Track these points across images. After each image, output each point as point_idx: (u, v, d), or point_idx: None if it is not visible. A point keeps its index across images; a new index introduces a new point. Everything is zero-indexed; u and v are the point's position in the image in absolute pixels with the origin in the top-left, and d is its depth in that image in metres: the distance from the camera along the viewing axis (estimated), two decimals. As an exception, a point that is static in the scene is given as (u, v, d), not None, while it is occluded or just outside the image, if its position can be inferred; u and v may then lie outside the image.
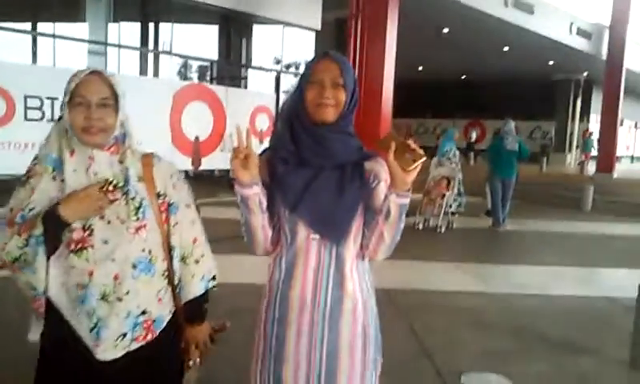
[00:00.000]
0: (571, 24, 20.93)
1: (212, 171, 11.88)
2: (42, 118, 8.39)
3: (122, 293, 1.68)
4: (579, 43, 21.87)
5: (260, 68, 12.45)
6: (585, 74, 27.42)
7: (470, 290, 5.72)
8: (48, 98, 8.42)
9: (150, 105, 9.29)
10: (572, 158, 29.06)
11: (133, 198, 1.70)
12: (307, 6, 12.29)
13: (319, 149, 1.67)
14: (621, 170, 23.65)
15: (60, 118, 1.70)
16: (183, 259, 1.82)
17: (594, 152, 23.08)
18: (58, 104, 7.48)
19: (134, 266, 1.70)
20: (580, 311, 5.20)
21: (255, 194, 1.64)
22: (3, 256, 1.65)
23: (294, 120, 1.70)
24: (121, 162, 1.71)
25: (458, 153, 9.49)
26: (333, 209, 1.67)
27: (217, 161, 11.08)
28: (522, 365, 3.92)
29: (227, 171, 11.38)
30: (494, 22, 17.26)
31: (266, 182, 1.70)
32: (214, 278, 1.87)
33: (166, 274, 1.79)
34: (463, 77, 30.32)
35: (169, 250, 1.80)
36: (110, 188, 1.65)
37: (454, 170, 9.04)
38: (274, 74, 11.81)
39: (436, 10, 15.51)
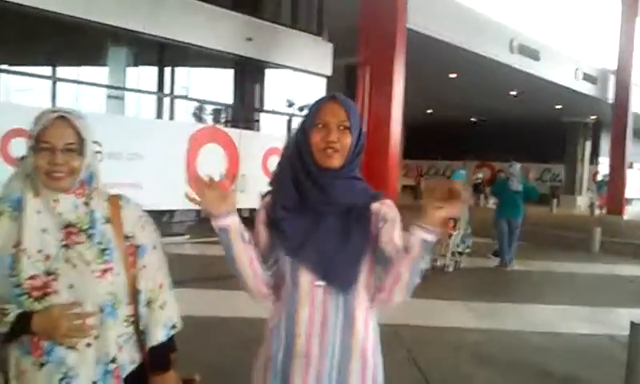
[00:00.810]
0: (576, 69, 21.33)
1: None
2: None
3: (91, 338, 1.60)
4: (585, 87, 22.22)
5: (272, 111, 12.87)
6: (593, 117, 27.71)
7: (475, 326, 5.87)
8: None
9: (167, 146, 9.66)
10: (582, 200, 29.09)
11: (99, 242, 1.64)
12: (318, 53, 12.76)
13: (323, 196, 1.61)
14: (632, 212, 23.67)
15: (22, 158, 1.67)
16: (149, 304, 1.73)
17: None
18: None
19: (102, 310, 1.62)
20: (582, 348, 5.34)
21: (234, 223, 1.59)
22: None
23: (297, 163, 1.63)
24: (86, 203, 1.66)
25: (464, 194, 9.70)
26: (337, 255, 1.60)
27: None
28: (522, 397, 4.07)
29: (239, 210, 11.67)
30: (500, 67, 17.66)
31: (265, 227, 1.68)
32: (174, 326, 1.77)
33: (131, 319, 1.71)
34: (472, 119, 30.76)
35: (134, 294, 1.72)
36: (74, 230, 1.62)
37: (461, 210, 9.23)
38: (286, 117, 12.21)
39: (443, 55, 15.94)
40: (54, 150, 1.59)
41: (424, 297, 6.83)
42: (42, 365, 1.58)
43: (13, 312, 1.55)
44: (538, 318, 6.34)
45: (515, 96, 22.92)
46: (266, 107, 12.89)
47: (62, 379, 1.58)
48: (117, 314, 1.66)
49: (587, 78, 22.17)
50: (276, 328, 1.67)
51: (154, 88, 11.53)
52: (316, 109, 1.64)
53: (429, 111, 27.42)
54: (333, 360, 1.61)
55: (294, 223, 1.62)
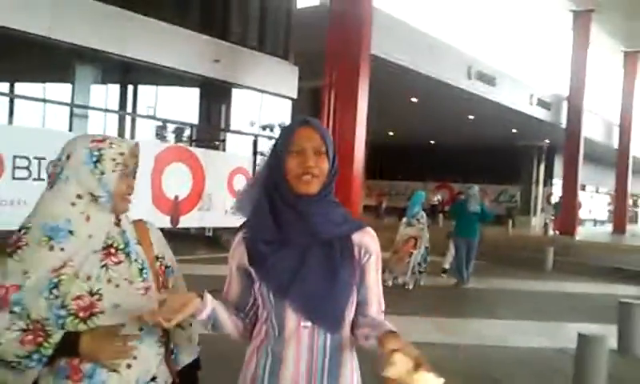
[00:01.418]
0: (531, 95, 22.28)
1: (188, 229, 12.23)
2: (28, 177, 8.74)
3: (131, 358, 1.58)
4: (540, 113, 23.20)
5: (238, 132, 13.06)
6: (547, 141, 28.81)
7: (431, 340, 6.14)
8: (35, 158, 8.80)
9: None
10: (536, 221, 30.10)
11: (135, 260, 1.66)
12: (284, 76, 13.07)
13: (303, 225, 1.54)
14: (583, 232, 24.64)
15: (52, 184, 1.64)
16: (179, 325, 1.65)
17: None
18: (44, 164, 7.90)
19: (141, 329, 1.60)
20: (533, 361, 5.68)
21: (208, 312, 1.54)
22: None
23: (273, 193, 1.57)
24: (117, 224, 1.68)
25: (424, 214, 10.07)
26: (326, 294, 1.53)
27: (194, 219, 11.45)
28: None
29: (204, 229, 11.76)
30: (458, 93, 18.35)
31: (244, 266, 1.60)
32: (198, 344, 1.83)
33: (162, 339, 1.71)
34: (432, 142, 31.58)
35: None
36: (112, 250, 1.63)
37: (421, 230, 9.59)
38: (252, 137, 12.41)
39: (405, 80, 16.49)
40: (129, 173, 1.71)
41: (387, 313, 7.11)
42: None
43: (57, 333, 1.52)
44: (494, 332, 6.67)
45: (473, 120, 23.73)
46: (231, 127, 13.08)
47: None
48: (154, 333, 1.66)
49: (541, 103, 23.17)
50: (257, 375, 1.58)
51: (118, 107, 11.58)
52: (289, 134, 1.57)
53: (390, 133, 28.06)
54: None
55: (277, 259, 1.54)
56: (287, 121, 13.64)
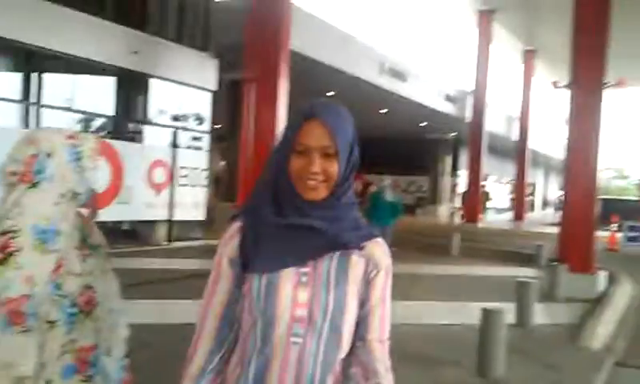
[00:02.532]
0: (439, 90, 23.49)
1: (105, 222, 12.05)
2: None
3: None
4: (446, 107, 24.51)
5: (157, 124, 12.97)
6: (453, 134, 30.42)
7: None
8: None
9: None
10: (444, 210, 31.77)
11: (95, 248, 1.92)
12: (203, 68, 13.11)
13: (309, 233, 1.34)
14: (486, 220, 26.37)
15: (33, 183, 1.60)
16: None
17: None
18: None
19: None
20: (443, 336, 6.30)
21: None
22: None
23: (279, 190, 1.37)
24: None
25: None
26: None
27: (113, 212, 11.33)
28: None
29: (121, 222, 11.65)
30: (371, 88, 19.09)
31: (237, 258, 1.38)
32: None
33: None
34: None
35: None
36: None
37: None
38: (172, 130, 12.38)
39: (321, 75, 16.96)
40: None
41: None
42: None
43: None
44: (408, 312, 7.23)
45: (385, 114, 24.69)
46: (151, 120, 12.98)
47: None
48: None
49: (448, 98, 24.48)
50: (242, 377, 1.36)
51: (30, 98, 11.21)
52: (295, 128, 1.35)
53: (306, 125, 28.55)
54: None
55: (272, 249, 1.34)
56: (206, 113, 13.69)
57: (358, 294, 1.39)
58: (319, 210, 1.36)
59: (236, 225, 1.42)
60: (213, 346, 1.40)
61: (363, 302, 1.40)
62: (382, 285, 1.44)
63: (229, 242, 1.41)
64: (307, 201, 1.35)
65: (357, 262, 1.39)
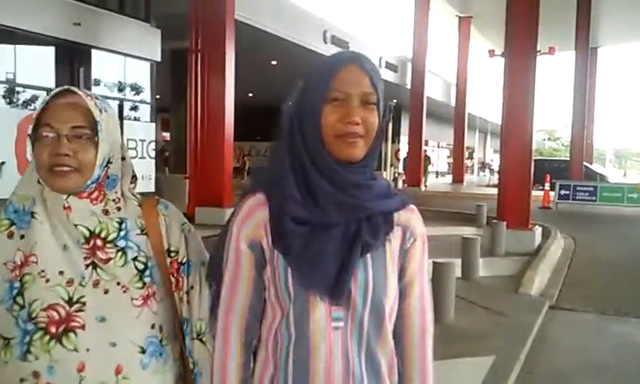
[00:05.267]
0: (380, 58, 23.86)
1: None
2: None
3: None
4: (388, 75, 24.95)
5: (101, 96, 12.71)
6: (394, 101, 31.05)
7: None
8: None
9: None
10: (386, 175, 32.57)
11: (135, 258, 1.26)
12: (146, 38, 12.90)
13: (343, 199, 1.17)
14: (428, 183, 27.29)
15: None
16: (199, 336, 1.36)
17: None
18: None
19: (143, 351, 1.23)
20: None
21: None
22: None
23: (304, 155, 1.19)
24: (106, 211, 1.27)
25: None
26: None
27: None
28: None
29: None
30: (315, 56, 19.23)
31: (260, 243, 1.20)
32: None
33: (177, 360, 1.34)
34: (290, 103, 32.49)
35: (180, 324, 1.35)
36: (99, 242, 1.24)
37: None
38: (116, 101, 12.20)
39: (265, 44, 16.98)
40: (59, 136, 1.20)
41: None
42: None
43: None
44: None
45: (329, 81, 24.92)
46: (94, 92, 12.71)
47: None
48: (164, 352, 1.29)
49: (389, 66, 24.90)
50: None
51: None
52: (329, 74, 1.17)
53: (250, 95, 28.44)
54: None
55: (314, 242, 1.16)
56: (151, 85, 13.52)
57: (396, 267, 1.25)
58: (355, 173, 1.19)
59: (253, 201, 1.23)
60: (243, 373, 1.22)
61: (401, 275, 1.27)
62: (420, 255, 1.30)
63: (247, 221, 1.21)
64: (343, 162, 1.17)
65: (394, 232, 1.25)
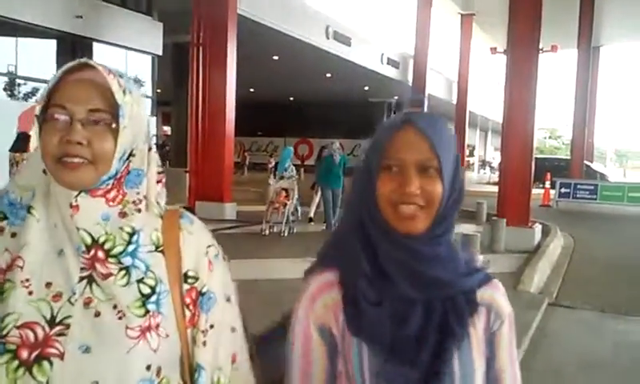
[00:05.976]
0: (382, 55, 23.85)
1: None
2: None
3: None
4: (389, 71, 24.94)
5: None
6: (396, 97, 31.01)
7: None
8: None
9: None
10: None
11: (141, 279, 1.01)
12: (149, 32, 12.90)
13: (414, 271, 1.04)
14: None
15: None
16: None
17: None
18: None
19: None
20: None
21: None
22: None
23: (367, 222, 1.07)
24: (123, 214, 1.03)
25: (294, 168, 10.93)
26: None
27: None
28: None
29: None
30: (316, 52, 19.24)
31: (330, 328, 1.06)
32: None
33: None
34: (291, 98, 32.51)
35: (190, 370, 1.06)
36: (101, 254, 0.99)
37: (292, 182, 10.42)
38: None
39: (267, 39, 16.96)
40: (72, 120, 0.97)
41: (271, 257, 7.89)
42: None
43: None
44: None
45: (330, 78, 24.92)
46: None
47: None
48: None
49: (391, 62, 24.89)
50: None
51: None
52: (384, 140, 1.06)
53: (251, 90, 28.43)
54: None
55: (384, 315, 1.03)
56: (153, 78, 13.51)
57: (483, 355, 1.09)
58: (424, 244, 1.04)
59: (323, 279, 1.09)
60: None
61: (488, 364, 1.10)
62: (508, 340, 1.12)
63: (314, 304, 1.07)
64: (404, 236, 1.03)
65: (477, 314, 1.09)
